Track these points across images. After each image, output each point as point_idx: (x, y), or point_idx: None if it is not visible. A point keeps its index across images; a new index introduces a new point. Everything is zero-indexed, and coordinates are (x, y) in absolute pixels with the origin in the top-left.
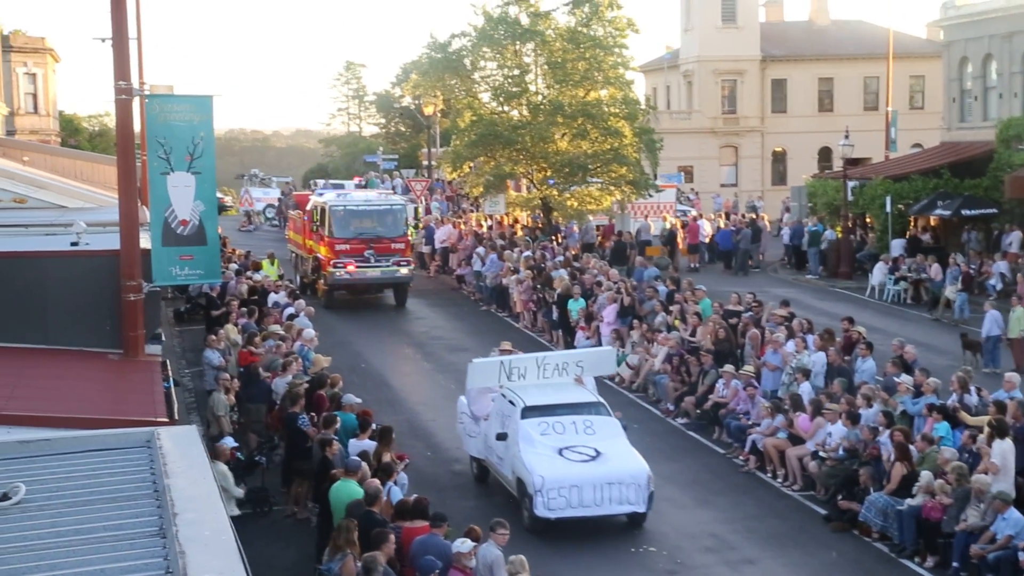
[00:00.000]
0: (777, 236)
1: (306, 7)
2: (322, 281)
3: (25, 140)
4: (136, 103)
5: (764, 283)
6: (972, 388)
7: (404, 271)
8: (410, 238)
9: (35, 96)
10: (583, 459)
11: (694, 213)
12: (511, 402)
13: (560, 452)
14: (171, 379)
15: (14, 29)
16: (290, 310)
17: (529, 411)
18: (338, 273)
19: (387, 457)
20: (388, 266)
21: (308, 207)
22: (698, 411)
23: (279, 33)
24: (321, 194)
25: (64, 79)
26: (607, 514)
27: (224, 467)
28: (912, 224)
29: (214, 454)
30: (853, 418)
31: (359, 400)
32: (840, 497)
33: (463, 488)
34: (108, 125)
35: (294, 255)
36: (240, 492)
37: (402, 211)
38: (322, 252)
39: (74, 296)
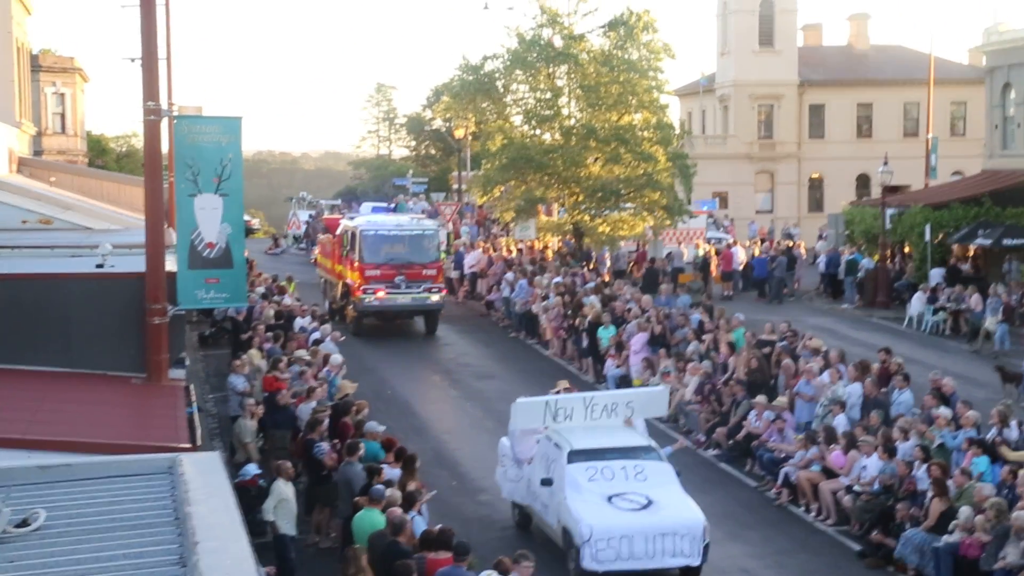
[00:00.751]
0: (813, 264)
1: (337, 29)
2: (351, 307)
3: (52, 160)
4: (164, 124)
5: (799, 312)
6: (1013, 422)
7: (435, 298)
8: (442, 264)
9: (63, 116)
10: (634, 508)
11: (729, 239)
12: (557, 445)
13: (609, 500)
14: (195, 404)
15: (43, 48)
16: (316, 335)
17: (576, 455)
18: (367, 299)
19: (411, 486)
20: (419, 293)
21: (338, 231)
22: (730, 442)
23: (309, 55)
24: (352, 217)
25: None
26: (659, 567)
27: (284, 486)
28: (952, 253)
29: (277, 471)
30: (889, 451)
31: (383, 428)
32: (875, 532)
33: (488, 519)
34: (136, 146)
35: (323, 280)
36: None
37: (434, 236)
38: (352, 277)
39: (98, 319)
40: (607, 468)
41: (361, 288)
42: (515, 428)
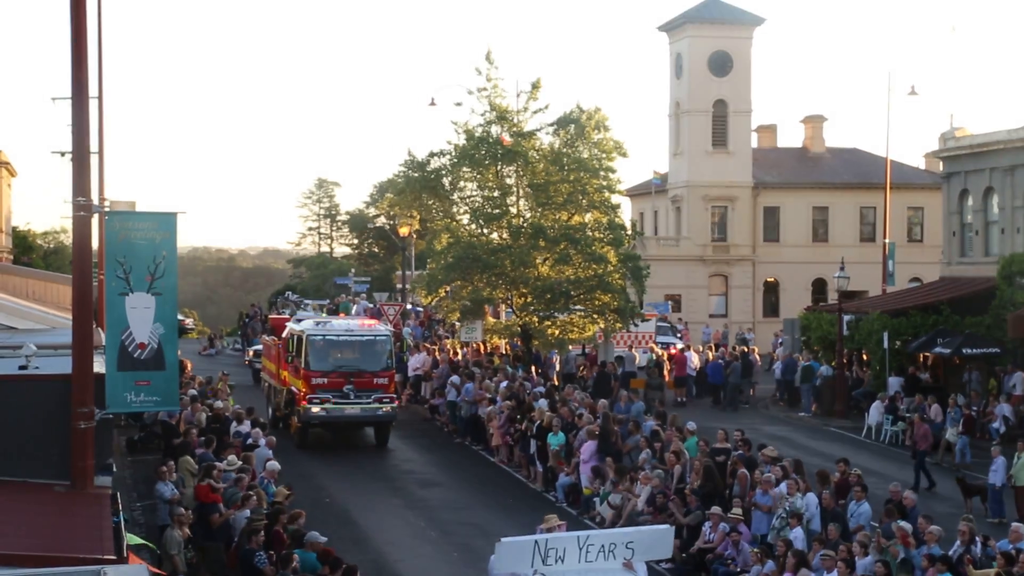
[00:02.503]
0: (768, 370)
1: (277, 122)
2: (296, 417)
3: None
4: (95, 220)
5: (755, 420)
6: (977, 538)
7: (387, 408)
8: (394, 372)
9: None
10: None
11: (679, 344)
12: None
13: None
14: (121, 513)
15: None
16: (249, 440)
17: None
18: (314, 409)
19: None
20: (369, 403)
21: (284, 334)
22: (683, 555)
23: (248, 149)
24: (299, 319)
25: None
26: None
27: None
28: (911, 361)
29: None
30: (850, 566)
31: (324, 539)
32: None
33: None
34: (64, 242)
35: (267, 384)
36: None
37: (387, 341)
38: (297, 385)
39: (21, 423)
40: None
41: (307, 397)
42: (499, 572)
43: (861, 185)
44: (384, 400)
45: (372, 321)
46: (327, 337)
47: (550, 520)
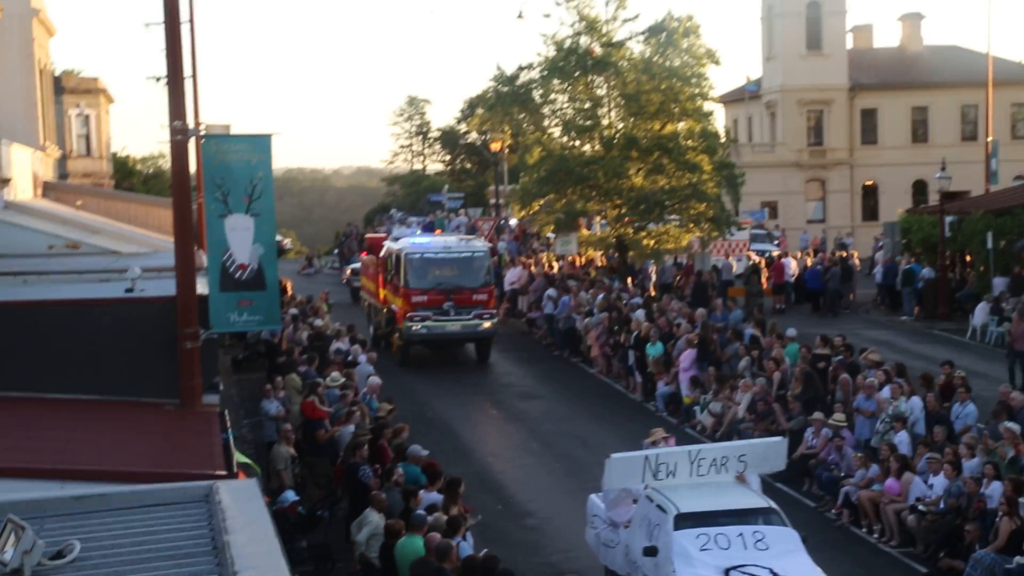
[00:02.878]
0: (869, 275)
1: (367, 42)
2: (397, 335)
3: (78, 184)
4: (192, 144)
5: (856, 325)
6: None
7: (487, 324)
8: (493, 288)
9: (88, 138)
10: None
11: (775, 252)
12: (660, 507)
13: (727, 573)
14: (230, 430)
15: (66, 70)
16: (350, 356)
17: (684, 519)
18: (414, 327)
19: (454, 511)
20: (469, 319)
21: (382, 253)
22: (786, 461)
23: (339, 69)
24: (396, 238)
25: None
26: None
27: (377, 518)
28: (1016, 261)
29: (372, 503)
30: (956, 468)
31: (426, 452)
32: (942, 555)
33: (535, 544)
34: (163, 167)
35: (367, 304)
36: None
37: (485, 258)
38: (397, 304)
39: (129, 345)
40: (721, 535)
41: (408, 315)
42: (609, 487)
43: (962, 83)
44: (484, 316)
45: (469, 237)
46: (425, 255)
47: (656, 433)
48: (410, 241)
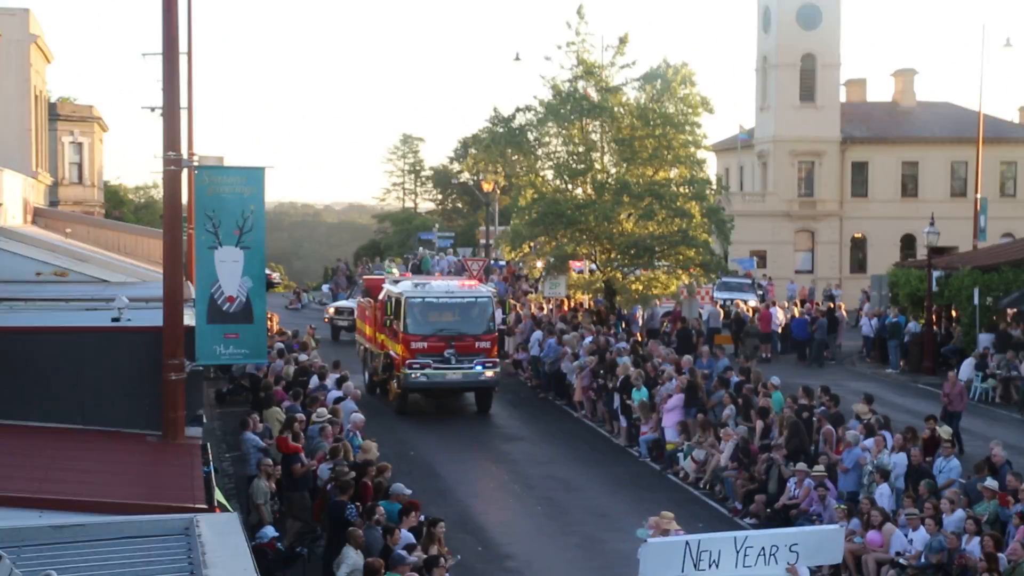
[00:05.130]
0: (855, 327)
1: (362, 79)
2: (395, 383)
3: (68, 211)
4: (184, 174)
5: (841, 377)
6: None
7: (490, 373)
8: (496, 335)
9: (80, 166)
10: None
11: (752, 302)
12: None
13: None
14: (211, 463)
15: (62, 97)
16: (336, 393)
17: None
18: (414, 375)
19: (434, 550)
20: (471, 368)
21: (381, 296)
22: (768, 511)
23: (333, 105)
24: (396, 281)
25: (111, 149)
26: None
27: (355, 555)
28: (1002, 318)
29: (348, 539)
30: (938, 523)
31: (409, 491)
32: None
33: None
34: (154, 197)
35: (362, 348)
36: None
37: (488, 303)
38: (396, 350)
39: (113, 374)
40: None
41: (407, 362)
42: None
43: (953, 139)
44: (487, 364)
45: (472, 282)
46: (427, 299)
47: (663, 520)
48: (411, 284)
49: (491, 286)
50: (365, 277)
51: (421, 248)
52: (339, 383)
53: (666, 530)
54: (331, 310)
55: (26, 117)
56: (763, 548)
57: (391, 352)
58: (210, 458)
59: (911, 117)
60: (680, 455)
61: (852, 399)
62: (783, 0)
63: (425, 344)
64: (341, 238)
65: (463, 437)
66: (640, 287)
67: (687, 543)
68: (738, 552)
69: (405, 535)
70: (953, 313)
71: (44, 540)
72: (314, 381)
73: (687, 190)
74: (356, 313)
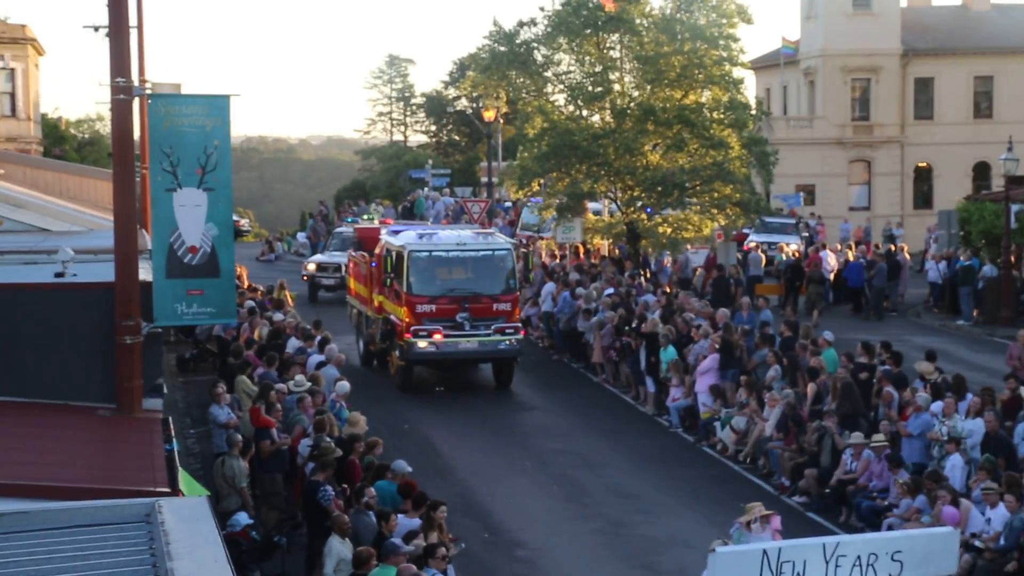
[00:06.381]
0: (920, 272)
1: None
2: (397, 353)
3: (0, 149)
4: (136, 105)
5: (904, 330)
6: None
7: (510, 340)
8: (519, 295)
9: (13, 96)
10: None
11: (793, 245)
12: None
13: None
14: (174, 440)
15: None
16: (317, 357)
17: None
18: (420, 344)
19: (434, 538)
20: (488, 335)
21: (377, 250)
22: (825, 490)
23: (307, 23)
24: (395, 232)
25: (49, 76)
26: None
27: (340, 545)
28: None
29: (334, 526)
30: (1021, 499)
31: (410, 469)
32: None
33: None
34: (101, 132)
35: (354, 311)
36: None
37: (508, 256)
38: (398, 314)
39: (58, 338)
40: None
41: (411, 329)
42: None
43: None
44: (507, 331)
45: (489, 231)
46: (434, 253)
47: (752, 510)
48: (414, 235)
49: (495, 230)
50: (358, 227)
51: (427, 188)
52: (320, 346)
53: (765, 517)
54: (311, 266)
55: None
56: (858, 557)
57: (392, 317)
58: (172, 434)
59: (984, 23)
60: (717, 424)
61: (917, 356)
62: None
63: (433, 307)
64: (319, 178)
65: (465, 408)
66: (668, 230)
67: (765, 552)
68: (828, 562)
69: (404, 521)
70: None
71: None
72: (292, 344)
73: (722, 115)
74: (348, 270)
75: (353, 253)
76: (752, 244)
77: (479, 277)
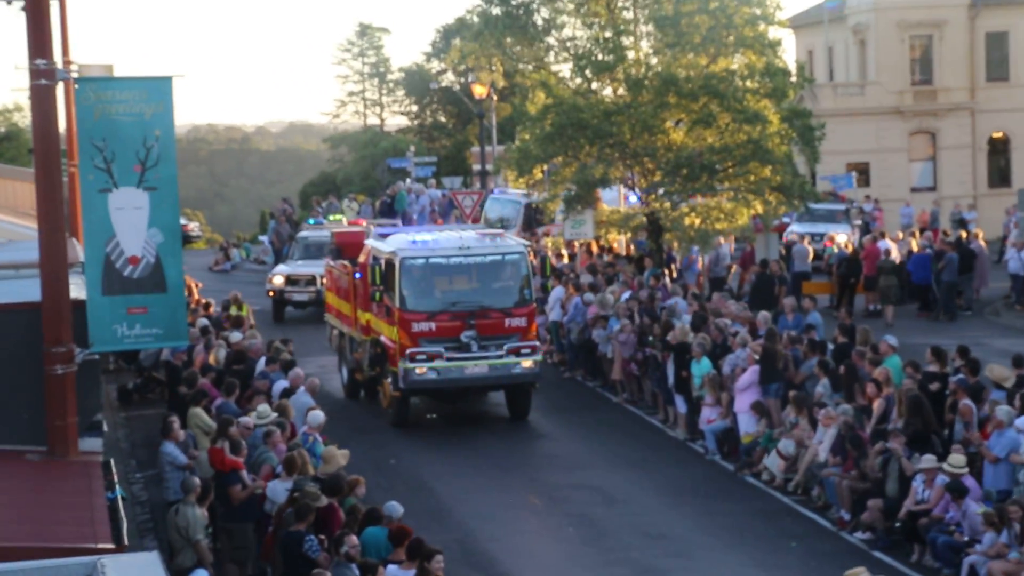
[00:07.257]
0: (998, 262)
1: None
2: (390, 382)
3: None
4: (61, 90)
5: (982, 331)
6: None
7: (528, 364)
8: (535, 307)
9: None
10: None
11: (842, 236)
12: None
13: None
14: (117, 487)
15: None
16: (283, 383)
17: None
18: (418, 370)
19: None
20: (500, 357)
21: (362, 258)
22: (893, 523)
23: None
24: (384, 236)
25: None
26: None
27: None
28: None
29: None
30: None
31: (402, 510)
32: None
33: None
34: (20, 124)
35: (335, 332)
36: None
37: (522, 261)
38: (390, 335)
39: None
40: None
41: (407, 352)
42: None
43: None
44: (523, 351)
45: (497, 231)
46: (431, 260)
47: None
48: (407, 240)
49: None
50: (337, 231)
51: (410, 180)
52: (285, 369)
53: None
54: (278, 279)
55: None
56: None
57: (382, 338)
58: (115, 480)
59: None
60: (762, 449)
61: (998, 363)
62: None
63: (432, 325)
64: (282, 171)
65: (462, 438)
66: (697, 221)
67: None
68: None
69: (396, 573)
70: None
71: None
72: (260, 365)
73: (757, 84)
74: (325, 283)
75: (331, 262)
76: (794, 235)
77: (487, 287)
